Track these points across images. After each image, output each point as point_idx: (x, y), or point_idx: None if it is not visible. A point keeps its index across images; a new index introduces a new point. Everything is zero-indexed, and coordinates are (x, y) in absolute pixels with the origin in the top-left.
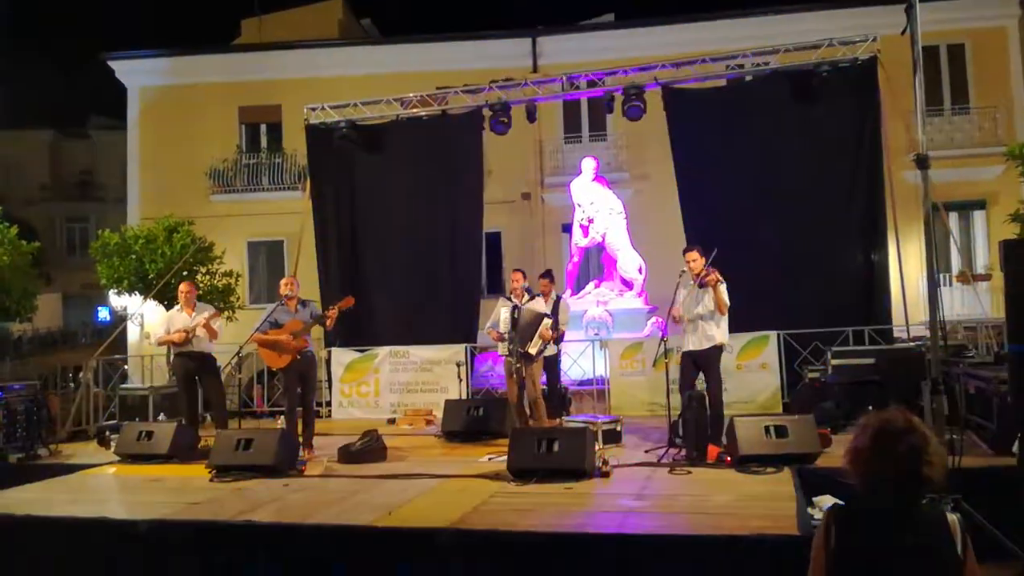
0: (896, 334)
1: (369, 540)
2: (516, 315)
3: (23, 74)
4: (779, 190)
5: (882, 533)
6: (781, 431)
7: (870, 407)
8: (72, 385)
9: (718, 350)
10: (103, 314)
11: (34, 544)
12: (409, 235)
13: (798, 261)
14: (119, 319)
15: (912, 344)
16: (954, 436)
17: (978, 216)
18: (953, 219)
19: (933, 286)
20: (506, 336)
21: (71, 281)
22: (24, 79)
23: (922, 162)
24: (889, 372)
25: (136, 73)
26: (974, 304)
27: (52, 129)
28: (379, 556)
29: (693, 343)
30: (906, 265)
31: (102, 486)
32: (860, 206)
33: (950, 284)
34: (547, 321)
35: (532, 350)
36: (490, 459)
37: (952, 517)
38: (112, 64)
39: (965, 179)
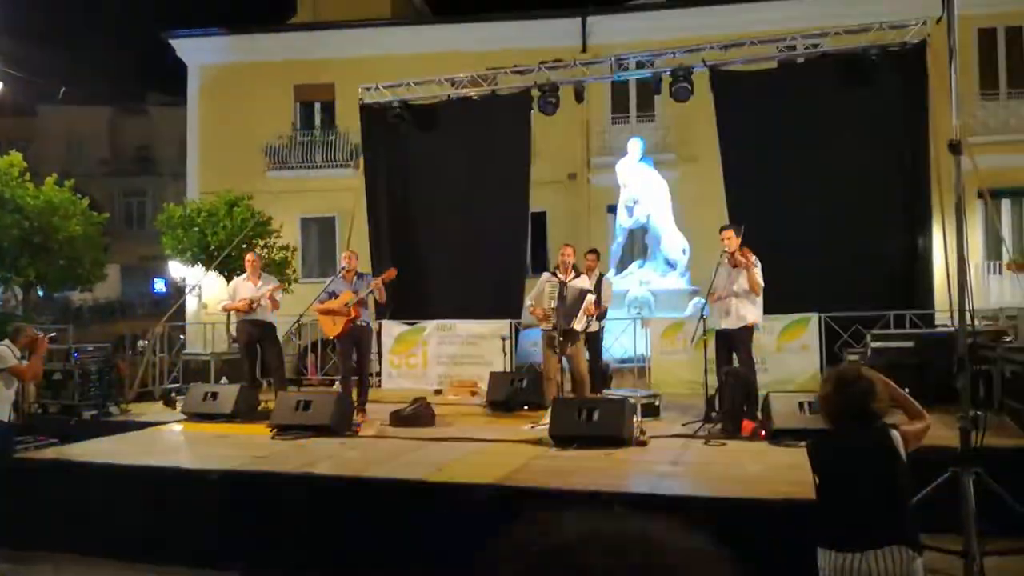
0: (939, 320)
1: (419, 493)
2: (563, 292)
3: (84, 52)
4: (825, 173)
5: (844, 443)
6: (815, 407)
7: (906, 389)
8: (132, 351)
9: (749, 330)
10: (159, 285)
11: (111, 490)
12: (458, 213)
13: (842, 245)
14: (176, 290)
15: (952, 329)
16: (978, 414)
17: None
18: (1007, 205)
19: (962, 271)
20: (550, 311)
21: (129, 253)
22: (85, 57)
23: (954, 148)
24: (927, 355)
25: (196, 51)
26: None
27: (111, 105)
28: (428, 508)
29: (726, 322)
30: (952, 250)
31: (172, 440)
32: (906, 191)
33: (999, 272)
34: (590, 297)
35: (578, 326)
36: (532, 427)
37: (895, 433)
38: (173, 43)
39: (1019, 165)
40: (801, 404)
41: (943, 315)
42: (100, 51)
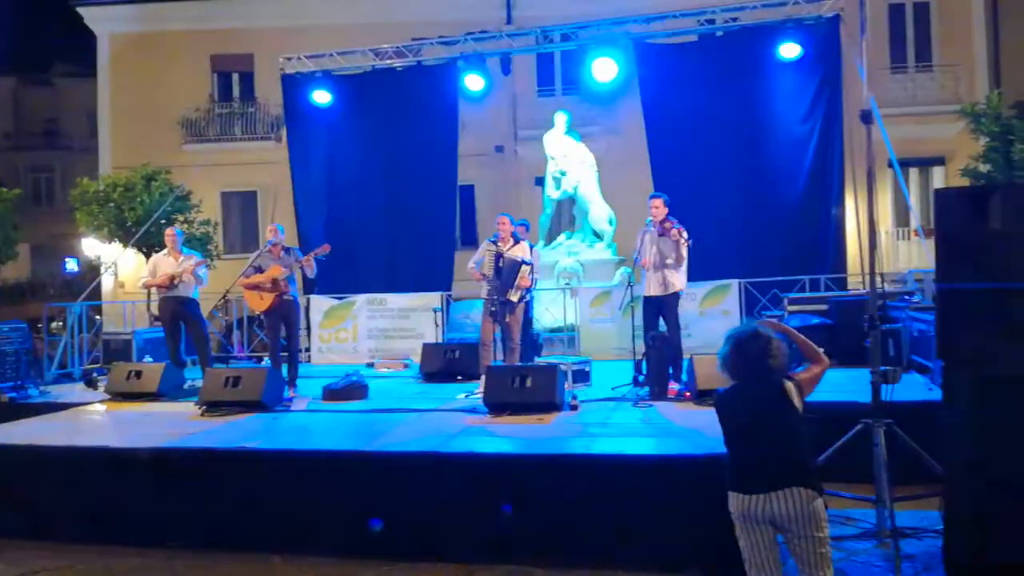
0: (852, 285)
1: (355, 464)
2: (500, 263)
3: None
4: (744, 144)
5: (743, 396)
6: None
7: (821, 349)
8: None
9: (676, 296)
10: (71, 265)
11: (34, 473)
12: (385, 186)
13: (761, 213)
14: (89, 268)
15: (862, 292)
16: (887, 369)
17: (937, 172)
18: (914, 175)
19: (872, 235)
20: (489, 277)
21: (38, 232)
22: None
23: (866, 117)
24: (840, 317)
25: (105, 20)
26: (931, 257)
27: (14, 76)
28: (364, 479)
29: (654, 289)
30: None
31: (97, 421)
32: (821, 160)
33: (907, 238)
34: (524, 268)
35: (514, 297)
36: (466, 396)
37: (788, 384)
38: (80, 10)
39: (926, 136)
40: None
41: (855, 280)
42: (2, 18)
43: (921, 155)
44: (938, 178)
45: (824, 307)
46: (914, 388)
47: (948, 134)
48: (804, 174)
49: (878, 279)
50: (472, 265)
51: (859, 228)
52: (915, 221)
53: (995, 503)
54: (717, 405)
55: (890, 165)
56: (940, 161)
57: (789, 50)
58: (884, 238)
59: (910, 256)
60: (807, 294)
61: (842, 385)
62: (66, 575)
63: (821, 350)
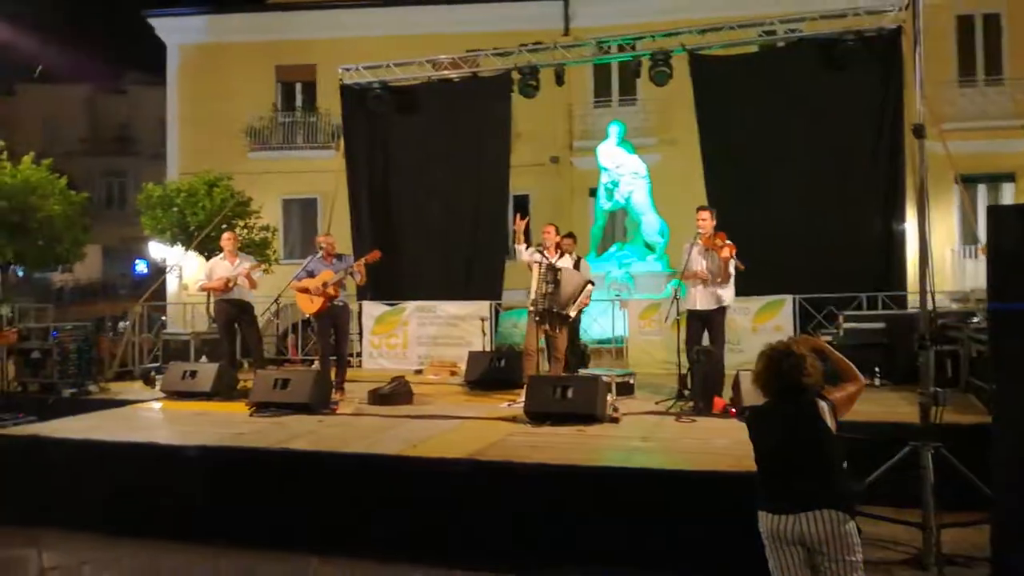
0: (912, 303)
1: (396, 468)
2: (557, 275)
3: (62, 30)
4: (802, 157)
5: (776, 414)
6: None
7: (876, 368)
8: (114, 331)
9: (722, 311)
10: (141, 267)
11: (90, 467)
12: (439, 195)
13: (818, 228)
14: (157, 270)
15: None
16: (937, 390)
17: (1007, 189)
18: (982, 191)
19: (924, 253)
20: (540, 288)
21: (109, 234)
22: (63, 35)
23: (918, 132)
24: (896, 335)
25: (175, 31)
26: None
27: (90, 84)
28: (404, 483)
29: (700, 303)
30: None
31: (151, 418)
32: (881, 175)
33: (975, 256)
34: (589, 288)
35: (572, 313)
36: (509, 405)
37: (823, 403)
38: (152, 21)
39: (996, 151)
40: None
41: (914, 297)
42: (79, 29)
43: (991, 171)
44: (1008, 194)
45: (881, 325)
46: (970, 411)
47: (1019, 149)
48: (864, 188)
49: (938, 297)
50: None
51: (921, 244)
52: (982, 239)
53: None
54: (749, 422)
55: (959, 181)
56: (1011, 178)
57: (850, 63)
58: (949, 256)
59: (977, 275)
60: (863, 312)
61: (895, 405)
62: (112, 568)
63: (856, 370)
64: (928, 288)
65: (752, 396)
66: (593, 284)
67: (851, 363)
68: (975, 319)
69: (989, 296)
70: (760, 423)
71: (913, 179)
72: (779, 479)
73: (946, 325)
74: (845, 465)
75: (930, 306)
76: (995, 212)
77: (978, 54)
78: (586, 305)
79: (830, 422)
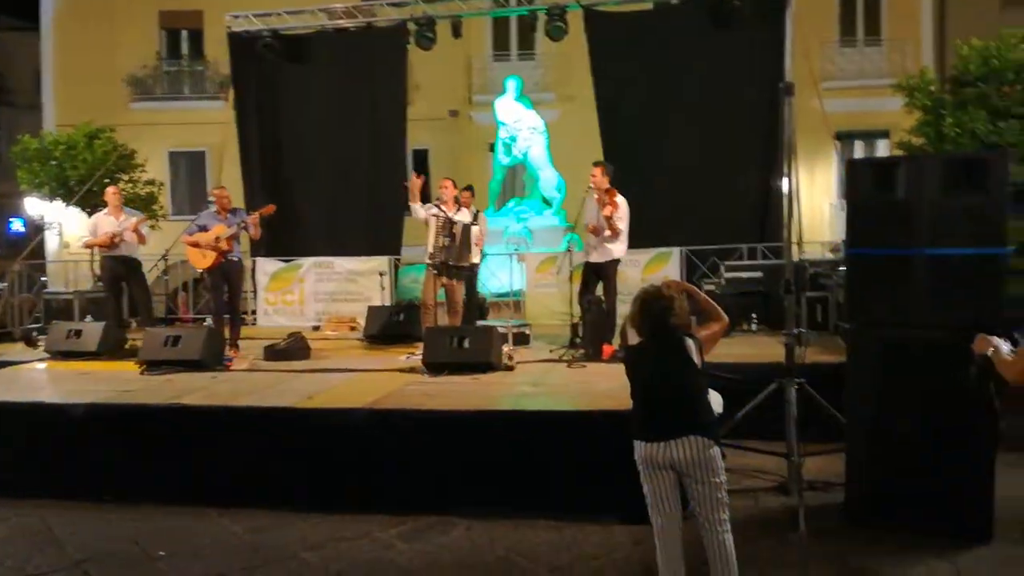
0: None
1: (290, 420)
2: (453, 228)
3: None
4: (690, 114)
5: (648, 351)
6: None
7: (753, 314)
8: None
9: (614, 263)
10: (16, 225)
11: None
12: (334, 148)
13: (705, 183)
14: (35, 228)
15: (797, 260)
16: (800, 331)
17: (882, 145)
18: (859, 147)
19: (790, 206)
20: (438, 242)
21: None
22: None
23: (788, 89)
24: (772, 283)
25: None
26: None
27: None
28: (299, 434)
29: (594, 255)
30: (810, 190)
31: (34, 378)
32: (762, 132)
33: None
34: (475, 229)
35: (476, 259)
36: (408, 358)
37: (690, 341)
38: None
39: (872, 109)
40: None
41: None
42: None
43: (867, 128)
44: (883, 150)
45: (758, 274)
46: (835, 351)
47: (893, 108)
48: (746, 144)
49: (815, 248)
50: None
51: (795, 198)
52: None
53: (890, 458)
54: (624, 360)
55: (836, 137)
56: (885, 135)
57: (737, 21)
58: (827, 209)
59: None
60: (743, 263)
61: (768, 347)
62: (1, 528)
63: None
64: (793, 238)
65: (636, 339)
66: (475, 224)
67: (715, 303)
68: (843, 267)
69: (846, 243)
70: (634, 360)
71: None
72: (651, 410)
73: (818, 273)
74: (722, 401)
75: (800, 256)
76: (851, 165)
77: (858, 15)
78: (481, 246)
79: (696, 358)
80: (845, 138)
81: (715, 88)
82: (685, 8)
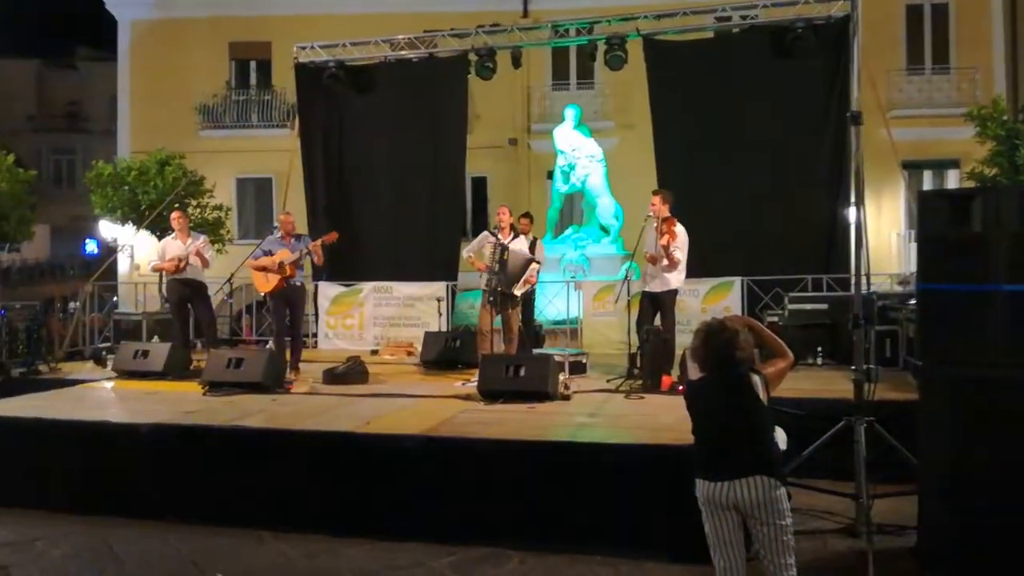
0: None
1: (348, 445)
2: (504, 255)
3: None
4: (753, 142)
5: (711, 386)
6: None
7: (819, 348)
8: (64, 312)
9: (673, 293)
10: (91, 246)
11: (38, 445)
12: (395, 177)
13: (767, 212)
14: (108, 250)
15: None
16: (870, 367)
17: (952, 174)
18: (928, 177)
19: (859, 236)
20: (491, 268)
21: (58, 213)
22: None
23: (855, 119)
24: (838, 316)
25: (127, 5)
26: None
27: (39, 59)
28: (356, 460)
29: (652, 285)
30: (877, 220)
31: (102, 397)
32: (827, 161)
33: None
34: (535, 266)
35: (518, 292)
36: (463, 384)
37: (755, 376)
38: None
39: (941, 138)
40: None
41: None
42: (27, 2)
43: (936, 157)
44: (952, 180)
45: (824, 306)
46: (905, 388)
47: (963, 136)
48: (812, 174)
49: (882, 280)
50: (467, 254)
51: (865, 229)
52: None
53: (967, 502)
54: (686, 395)
55: (903, 167)
56: (955, 164)
57: (800, 50)
58: (895, 240)
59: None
60: (808, 294)
61: (834, 383)
62: (63, 543)
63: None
64: (863, 270)
65: (697, 373)
66: (539, 264)
67: (779, 339)
68: (913, 300)
69: (917, 277)
70: (697, 396)
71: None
72: (714, 448)
73: (886, 306)
74: (787, 438)
75: (867, 288)
76: (923, 197)
77: (926, 43)
78: (533, 284)
79: (762, 395)
80: (913, 167)
81: (777, 117)
82: (746, 37)
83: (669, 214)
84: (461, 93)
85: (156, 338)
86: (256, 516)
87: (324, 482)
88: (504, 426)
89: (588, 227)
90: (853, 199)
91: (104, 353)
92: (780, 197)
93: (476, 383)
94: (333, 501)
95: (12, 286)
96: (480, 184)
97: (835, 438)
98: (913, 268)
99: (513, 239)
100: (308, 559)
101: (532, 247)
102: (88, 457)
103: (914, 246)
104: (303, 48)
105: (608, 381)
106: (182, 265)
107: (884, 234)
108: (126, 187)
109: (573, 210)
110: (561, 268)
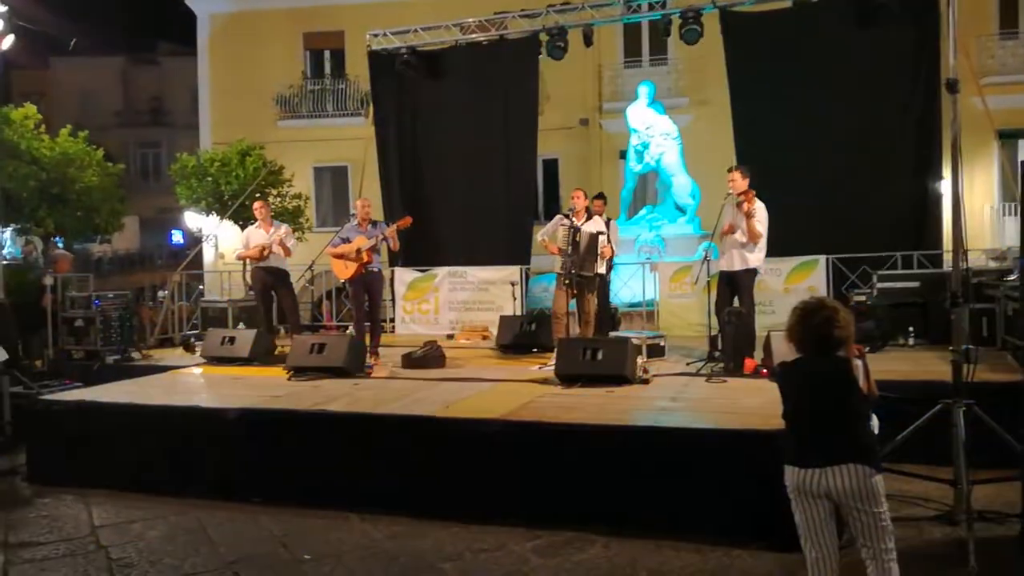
0: (948, 261)
1: (429, 428)
2: (577, 237)
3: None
4: (835, 115)
5: (807, 369)
6: None
7: (910, 328)
8: (153, 300)
9: (752, 273)
10: (177, 237)
11: (131, 430)
12: (468, 160)
13: (852, 187)
14: (194, 240)
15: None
16: (969, 348)
17: None
18: (1023, 146)
19: (957, 210)
20: (565, 251)
21: (145, 205)
22: (95, 8)
23: (952, 86)
24: (931, 294)
25: (204, 0)
26: None
27: (123, 56)
28: (437, 443)
29: (728, 264)
30: (969, 193)
31: (191, 382)
32: (916, 132)
33: (1015, 213)
34: (602, 239)
35: (602, 269)
36: (540, 368)
37: (856, 361)
38: None
39: None
40: None
41: (951, 256)
42: (110, 1)
43: None
44: None
45: (915, 284)
46: (1005, 369)
47: None
48: (899, 146)
49: (976, 256)
50: (542, 237)
51: (958, 201)
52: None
53: None
54: (779, 378)
55: (997, 136)
56: None
57: (885, 17)
58: (988, 213)
59: (1018, 232)
60: (898, 271)
61: (929, 364)
62: (158, 524)
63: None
64: (961, 246)
65: (783, 356)
66: (603, 233)
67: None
68: (1012, 277)
69: (1021, 252)
70: (792, 378)
71: (948, 135)
72: (807, 434)
73: (982, 283)
74: (879, 423)
75: (964, 264)
76: None
77: (1020, 7)
78: (608, 256)
79: (862, 382)
80: (1007, 137)
81: (862, 88)
82: (827, 6)
83: (748, 188)
84: (532, 74)
85: (241, 324)
86: (342, 498)
87: (407, 465)
88: (584, 410)
89: (663, 207)
90: (949, 171)
91: (193, 340)
92: (866, 171)
93: (553, 367)
94: (417, 483)
95: (104, 276)
96: (551, 166)
97: (929, 422)
98: (1008, 242)
99: (587, 221)
100: (393, 540)
101: (606, 228)
102: (180, 441)
103: (1009, 220)
104: (375, 35)
105: (688, 364)
106: (266, 253)
107: (977, 207)
108: (209, 178)
109: (647, 190)
110: (636, 249)
